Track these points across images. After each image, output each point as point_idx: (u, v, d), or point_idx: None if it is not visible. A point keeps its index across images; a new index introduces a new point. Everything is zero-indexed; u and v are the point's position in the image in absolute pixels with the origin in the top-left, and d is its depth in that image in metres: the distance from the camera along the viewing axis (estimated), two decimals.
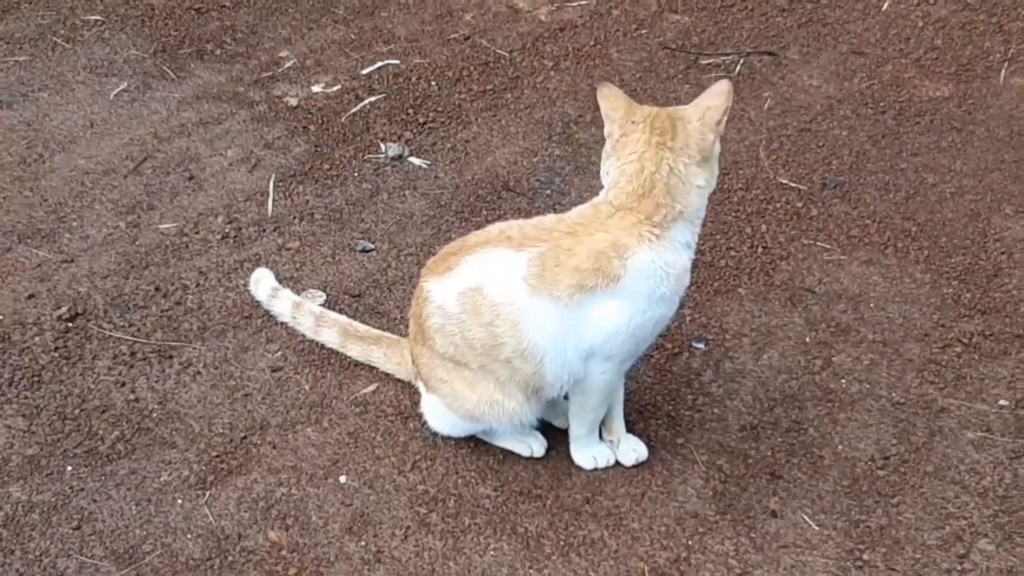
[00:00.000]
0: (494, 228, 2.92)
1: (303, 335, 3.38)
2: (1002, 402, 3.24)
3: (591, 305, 2.76)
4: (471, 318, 2.83)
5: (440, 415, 3.05)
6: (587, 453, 3.07)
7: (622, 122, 2.82)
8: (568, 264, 2.75)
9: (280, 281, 3.55)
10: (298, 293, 3.51)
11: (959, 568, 2.85)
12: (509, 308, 2.79)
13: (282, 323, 3.42)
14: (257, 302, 3.46)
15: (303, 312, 3.37)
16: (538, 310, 2.77)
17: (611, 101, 2.84)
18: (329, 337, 3.33)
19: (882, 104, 4.34)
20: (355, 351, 3.31)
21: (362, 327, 3.33)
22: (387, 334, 3.31)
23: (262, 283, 3.45)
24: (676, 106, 2.85)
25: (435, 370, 2.97)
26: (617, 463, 3.08)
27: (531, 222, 2.88)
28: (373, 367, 3.30)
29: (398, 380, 3.26)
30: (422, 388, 3.08)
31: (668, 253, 2.77)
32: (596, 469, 3.07)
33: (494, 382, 2.90)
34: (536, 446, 3.09)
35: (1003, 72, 4.47)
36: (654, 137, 2.75)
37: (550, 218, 2.87)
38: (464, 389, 2.94)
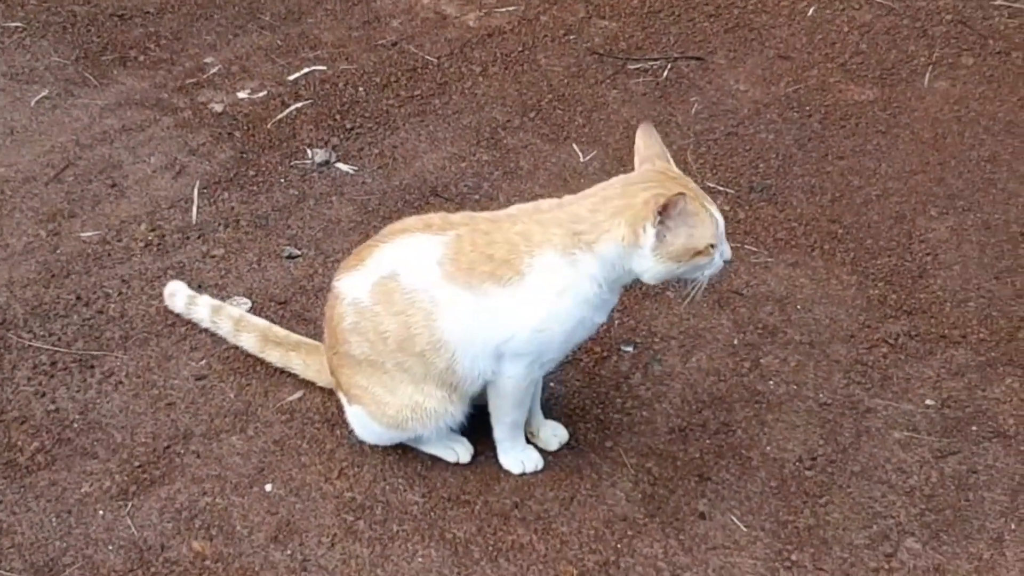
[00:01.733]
0: (414, 218, 2.91)
1: (226, 341, 3.33)
2: (928, 402, 3.26)
3: (499, 297, 2.72)
4: (384, 308, 2.79)
5: (365, 425, 3.02)
6: (514, 457, 3.05)
7: (644, 158, 2.80)
8: (483, 251, 2.72)
9: (205, 289, 3.51)
10: (223, 300, 3.47)
11: (887, 567, 2.86)
12: (423, 295, 2.75)
13: (206, 330, 3.36)
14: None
15: (222, 316, 3.32)
16: (451, 298, 2.74)
17: (646, 140, 2.82)
18: (248, 342, 3.29)
19: (808, 108, 4.36)
20: (274, 357, 3.26)
21: (281, 332, 3.28)
22: (307, 340, 3.27)
23: (177, 296, 3.40)
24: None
25: (354, 378, 2.93)
26: (546, 466, 3.06)
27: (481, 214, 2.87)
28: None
29: (322, 388, 3.22)
30: (344, 400, 3.04)
31: (573, 272, 2.71)
32: (524, 473, 3.05)
33: (411, 383, 2.87)
34: (462, 452, 3.07)
35: (927, 76, 4.51)
36: (641, 186, 2.71)
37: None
38: (384, 394, 2.90)
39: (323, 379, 3.19)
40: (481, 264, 2.72)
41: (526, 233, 2.72)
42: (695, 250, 2.66)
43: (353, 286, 2.85)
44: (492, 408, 2.97)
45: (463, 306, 2.74)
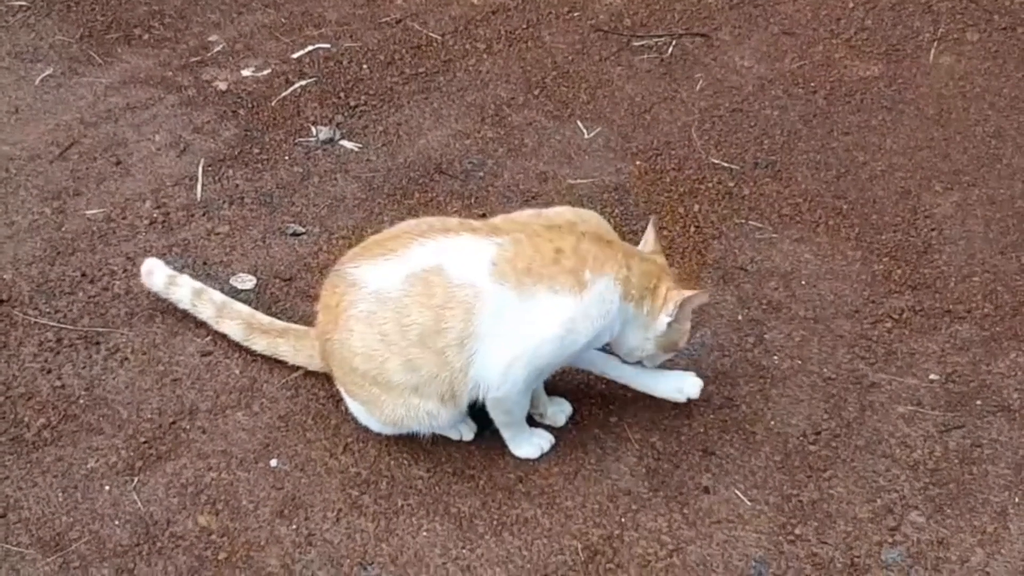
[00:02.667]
0: (454, 219, 2.97)
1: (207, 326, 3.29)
2: (932, 376, 3.26)
3: (547, 302, 2.77)
4: (418, 300, 2.78)
5: (364, 418, 3.03)
6: (528, 445, 3.05)
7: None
8: (548, 256, 2.77)
9: (210, 266, 3.52)
10: (228, 278, 3.48)
11: (890, 540, 2.87)
12: (468, 290, 2.76)
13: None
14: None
15: (204, 301, 3.26)
16: (497, 295, 2.75)
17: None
18: (231, 329, 3.23)
19: (813, 84, 4.35)
20: (260, 344, 3.22)
21: (266, 319, 3.23)
22: (293, 326, 3.23)
23: (155, 274, 3.29)
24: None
25: (350, 375, 2.92)
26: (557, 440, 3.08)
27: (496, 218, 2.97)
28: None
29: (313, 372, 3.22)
30: (342, 390, 3.04)
31: (615, 305, 2.84)
32: (544, 454, 3.05)
33: (410, 388, 2.85)
34: (465, 431, 3.07)
35: (932, 51, 4.50)
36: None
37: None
38: (379, 393, 2.89)
39: (315, 363, 3.16)
40: (542, 267, 2.76)
41: (595, 253, 2.80)
42: (675, 346, 3.02)
43: (378, 275, 2.83)
44: (496, 418, 2.97)
45: (505, 303, 2.75)
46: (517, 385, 2.84)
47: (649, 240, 3.03)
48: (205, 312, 3.26)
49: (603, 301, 2.80)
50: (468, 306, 2.76)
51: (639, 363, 3.06)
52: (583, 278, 2.76)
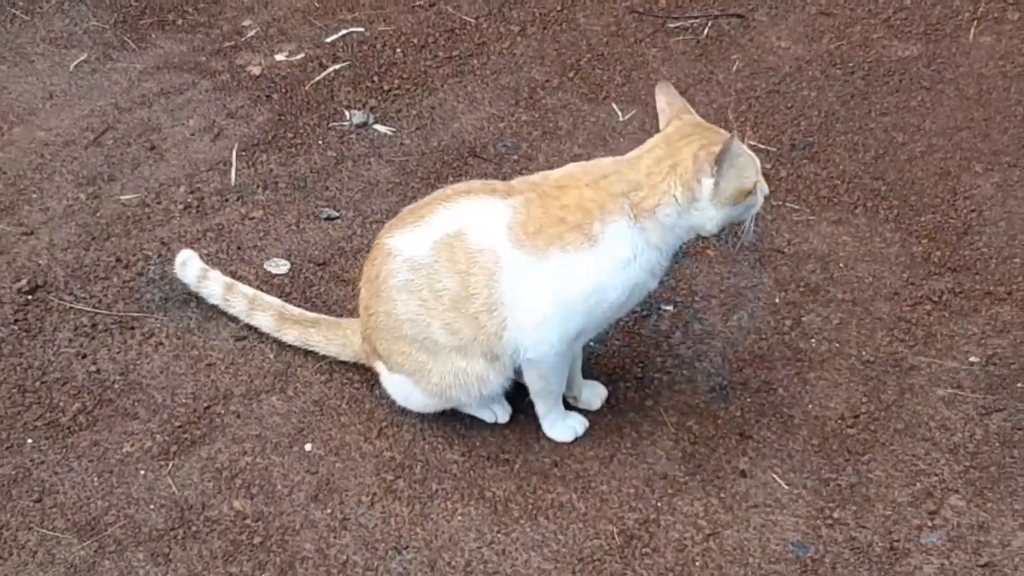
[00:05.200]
0: (477, 181, 2.92)
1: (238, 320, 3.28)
2: (972, 359, 3.22)
3: (564, 262, 2.72)
4: (445, 266, 2.78)
5: (407, 394, 3.01)
6: (562, 427, 3.03)
7: (671, 115, 2.85)
8: (555, 214, 2.73)
9: (244, 251, 3.52)
10: (262, 262, 3.47)
11: (930, 524, 2.83)
12: (488, 255, 2.75)
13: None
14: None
15: (235, 294, 3.25)
16: (515, 260, 2.74)
17: (667, 97, 2.88)
18: (263, 321, 3.23)
19: (851, 64, 4.31)
20: (291, 335, 3.21)
21: (296, 310, 3.23)
22: (324, 316, 3.23)
23: (188, 266, 3.30)
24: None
25: (395, 344, 2.92)
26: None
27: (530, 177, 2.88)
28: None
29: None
30: (382, 369, 3.02)
31: (641, 241, 2.74)
32: (578, 438, 3.03)
33: (455, 349, 2.85)
34: (500, 413, 3.06)
35: (972, 31, 4.44)
36: (684, 143, 2.74)
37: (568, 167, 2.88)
38: (427, 360, 2.89)
39: (346, 353, 3.16)
40: (551, 227, 2.72)
41: (599, 201, 2.73)
42: (746, 190, 2.73)
43: (410, 243, 2.83)
44: (532, 384, 2.95)
45: (525, 268, 2.74)
46: (553, 347, 2.82)
47: (663, 107, 2.87)
48: (237, 306, 3.26)
49: (619, 248, 2.73)
50: (489, 271, 2.75)
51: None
52: (592, 231, 2.72)
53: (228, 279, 3.29)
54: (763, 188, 2.80)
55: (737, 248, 3.50)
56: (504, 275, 2.75)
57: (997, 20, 4.49)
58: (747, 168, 2.74)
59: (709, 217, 2.73)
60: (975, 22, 4.49)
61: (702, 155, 2.68)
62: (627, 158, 2.80)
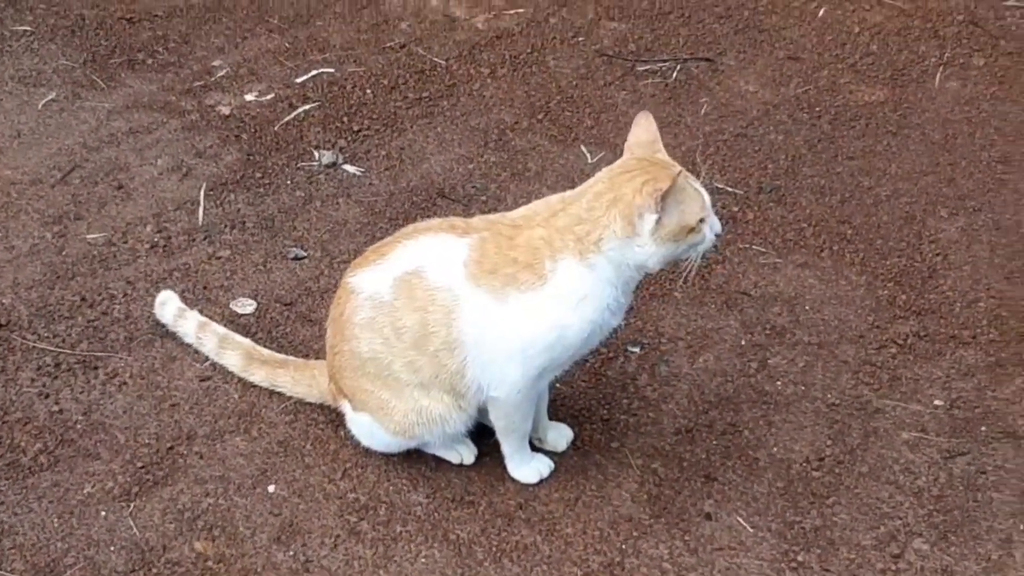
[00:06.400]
0: (437, 219, 2.91)
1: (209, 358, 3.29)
2: (937, 402, 3.23)
3: (519, 302, 2.72)
4: (405, 304, 2.78)
5: (371, 433, 2.99)
6: (527, 468, 3.02)
7: (630, 146, 2.82)
8: (507, 254, 2.72)
9: (210, 291, 3.51)
10: (228, 302, 3.46)
11: (894, 568, 2.83)
12: (445, 294, 2.74)
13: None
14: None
15: (207, 333, 3.27)
16: (472, 299, 2.73)
17: (639, 130, 2.84)
18: (231, 360, 3.24)
19: (818, 109, 4.34)
20: (259, 376, 3.21)
21: (265, 351, 3.24)
22: (292, 358, 3.23)
23: (167, 305, 3.35)
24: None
25: (358, 381, 2.91)
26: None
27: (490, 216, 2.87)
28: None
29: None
30: (347, 409, 3.01)
31: (592, 277, 2.71)
32: (542, 480, 3.02)
33: (419, 386, 2.85)
34: (466, 454, 3.05)
35: (938, 76, 4.49)
36: (626, 177, 2.71)
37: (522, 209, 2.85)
38: (390, 398, 2.88)
39: (313, 394, 3.16)
40: (504, 267, 2.71)
41: (548, 239, 2.71)
42: (688, 227, 2.68)
43: (372, 280, 2.83)
44: (497, 422, 2.95)
45: (483, 308, 2.73)
46: (516, 385, 2.81)
47: (631, 136, 2.83)
48: (208, 344, 3.27)
49: (571, 285, 2.70)
50: (447, 309, 2.75)
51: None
52: (543, 270, 2.70)
53: (203, 318, 3.30)
54: (715, 226, 2.74)
55: (679, 284, 3.49)
56: (462, 313, 2.74)
57: (963, 66, 4.53)
58: (692, 204, 2.68)
59: (650, 253, 2.68)
60: (941, 68, 4.53)
61: (647, 190, 2.64)
62: (574, 193, 2.78)
